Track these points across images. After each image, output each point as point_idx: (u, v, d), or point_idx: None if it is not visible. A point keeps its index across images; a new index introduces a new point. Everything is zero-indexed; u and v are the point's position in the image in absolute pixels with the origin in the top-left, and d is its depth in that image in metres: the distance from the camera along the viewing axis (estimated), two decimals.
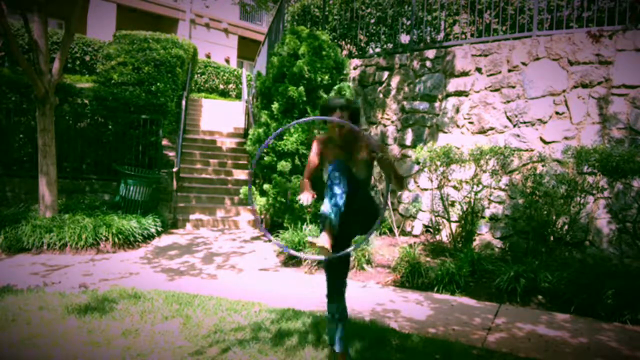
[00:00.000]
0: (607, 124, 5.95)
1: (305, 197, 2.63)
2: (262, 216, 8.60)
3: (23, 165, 8.72)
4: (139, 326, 3.62)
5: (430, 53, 7.67)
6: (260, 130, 7.66)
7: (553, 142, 6.30)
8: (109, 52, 10.26)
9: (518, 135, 6.60)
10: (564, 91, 6.30)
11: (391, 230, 7.30)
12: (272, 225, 8.33)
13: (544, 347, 3.65)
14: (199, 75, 17.36)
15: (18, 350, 3.15)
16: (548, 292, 4.84)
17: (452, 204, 6.67)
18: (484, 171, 6.20)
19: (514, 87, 6.70)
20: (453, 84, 7.34)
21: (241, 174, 10.52)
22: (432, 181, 6.62)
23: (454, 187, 6.51)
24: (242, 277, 5.71)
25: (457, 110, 7.26)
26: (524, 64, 6.65)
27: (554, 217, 5.69)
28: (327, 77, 7.55)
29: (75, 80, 12.46)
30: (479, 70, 7.09)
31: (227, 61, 20.39)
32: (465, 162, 6.18)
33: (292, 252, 3.03)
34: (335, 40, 9.34)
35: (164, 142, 10.31)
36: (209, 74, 17.83)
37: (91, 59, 14.54)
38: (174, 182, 8.98)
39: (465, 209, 6.41)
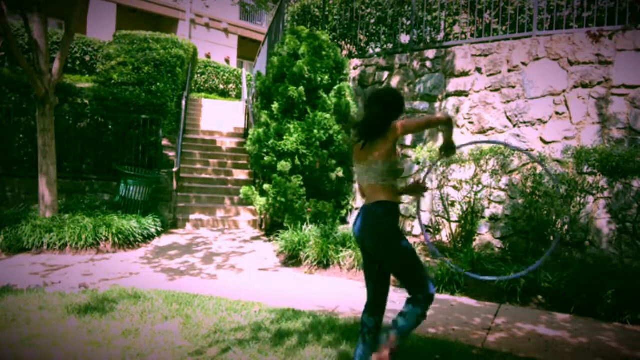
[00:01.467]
0: (607, 124, 5.94)
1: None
2: (262, 216, 8.60)
3: (23, 165, 8.72)
4: (139, 326, 3.62)
5: (430, 53, 7.67)
6: (260, 130, 7.65)
7: (553, 142, 6.30)
8: (109, 52, 10.26)
9: (518, 135, 6.59)
10: (564, 91, 6.30)
11: None
12: (272, 225, 8.33)
13: (544, 347, 3.65)
14: (199, 75, 17.36)
15: (18, 350, 3.15)
16: (548, 292, 4.84)
17: (452, 204, 6.67)
18: (484, 171, 6.20)
19: (514, 87, 6.70)
20: (453, 84, 7.34)
21: (241, 174, 10.52)
22: (432, 181, 6.62)
23: (454, 187, 6.51)
24: (242, 277, 5.71)
25: (457, 110, 7.26)
26: (524, 64, 6.64)
27: (554, 217, 5.69)
28: (327, 77, 7.55)
29: (75, 80, 12.46)
30: (479, 70, 7.09)
31: (227, 61, 20.40)
32: (465, 162, 6.18)
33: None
34: (335, 40, 9.33)
35: (164, 142, 10.31)
36: (209, 74, 17.83)
37: (91, 59, 14.54)
38: (174, 182, 8.98)
39: (465, 209, 6.41)
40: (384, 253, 2.66)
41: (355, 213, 8.19)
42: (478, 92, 7.06)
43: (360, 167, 2.79)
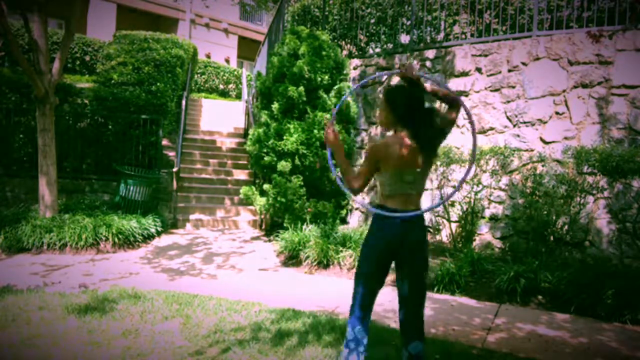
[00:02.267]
0: (607, 124, 5.94)
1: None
2: (262, 216, 8.60)
3: (23, 165, 8.72)
4: (139, 326, 3.62)
5: (430, 53, 7.67)
6: (260, 130, 7.65)
7: (553, 142, 6.30)
8: (109, 52, 10.26)
9: (518, 135, 6.60)
10: (564, 91, 6.30)
11: None
12: (272, 225, 8.33)
13: (544, 347, 3.65)
14: (199, 75, 17.36)
15: (18, 350, 3.15)
16: (548, 292, 4.84)
17: (452, 204, 6.67)
18: (484, 171, 6.20)
19: (514, 87, 6.70)
20: (453, 84, 7.33)
21: (241, 174, 10.52)
22: (432, 181, 6.62)
23: (454, 187, 6.51)
24: (242, 277, 5.71)
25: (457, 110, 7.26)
26: (524, 64, 6.64)
27: (554, 217, 5.69)
28: (327, 77, 7.54)
29: (75, 80, 12.46)
30: (479, 70, 7.09)
31: (227, 61, 20.40)
32: (465, 162, 6.18)
33: None
34: (335, 40, 9.33)
35: (164, 142, 10.31)
36: (209, 74, 17.83)
37: (91, 59, 14.54)
38: (174, 182, 8.98)
39: (465, 209, 6.41)
40: (425, 265, 2.56)
41: (357, 213, 8.20)
42: (478, 92, 7.06)
43: (412, 173, 2.46)
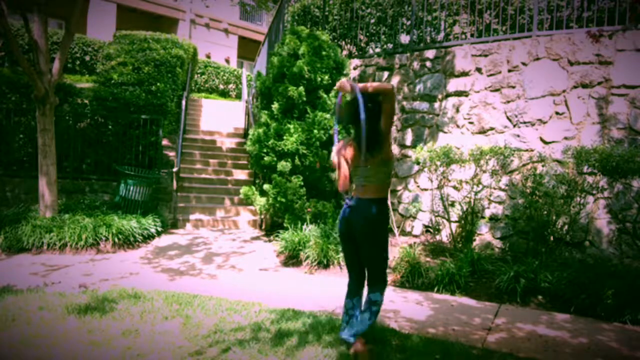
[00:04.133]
0: (607, 124, 5.95)
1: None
2: (262, 216, 8.60)
3: (23, 165, 8.72)
4: (139, 326, 3.62)
5: (430, 53, 7.67)
6: (260, 130, 7.65)
7: (553, 142, 6.30)
8: (109, 52, 10.26)
9: (518, 135, 6.60)
10: (564, 91, 6.30)
11: (391, 230, 7.30)
12: (272, 225, 8.33)
13: (544, 347, 3.65)
14: (199, 75, 17.35)
15: (18, 350, 3.15)
16: (548, 292, 4.84)
17: (452, 204, 6.67)
18: (484, 171, 6.20)
19: (514, 87, 6.71)
20: (453, 84, 7.34)
21: (241, 174, 10.52)
22: (432, 181, 6.62)
23: (454, 187, 6.51)
24: (242, 277, 5.71)
25: (457, 110, 7.26)
26: (524, 64, 6.65)
27: (554, 217, 5.69)
28: (327, 77, 7.54)
29: (75, 80, 12.46)
30: (479, 70, 7.09)
31: (227, 61, 20.40)
32: (465, 162, 6.18)
33: None
34: (335, 40, 9.34)
35: (164, 142, 10.31)
36: (209, 74, 17.83)
37: (91, 59, 14.54)
38: (174, 182, 8.98)
39: (465, 209, 6.41)
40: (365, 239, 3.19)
41: None
42: (478, 92, 7.07)
43: (359, 169, 3.17)
